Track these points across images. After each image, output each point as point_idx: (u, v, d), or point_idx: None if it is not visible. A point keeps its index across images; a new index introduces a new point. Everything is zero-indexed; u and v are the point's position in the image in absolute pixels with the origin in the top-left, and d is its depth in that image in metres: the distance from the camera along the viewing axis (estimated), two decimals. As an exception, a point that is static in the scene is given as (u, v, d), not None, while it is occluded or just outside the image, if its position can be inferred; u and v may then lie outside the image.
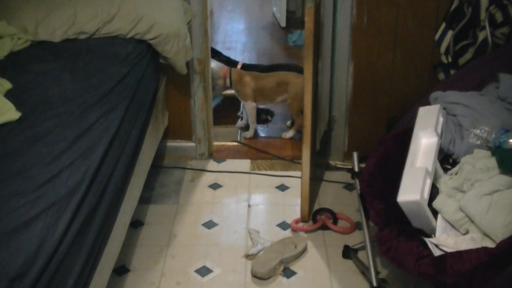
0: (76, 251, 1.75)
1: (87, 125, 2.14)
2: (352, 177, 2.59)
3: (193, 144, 3.37)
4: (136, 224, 2.82)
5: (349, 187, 3.10)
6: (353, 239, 2.70)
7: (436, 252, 1.95)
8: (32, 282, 1.51)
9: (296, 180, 3.01)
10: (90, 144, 2.05)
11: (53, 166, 1.89)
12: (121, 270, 2.54)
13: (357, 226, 2.78)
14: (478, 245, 1.95)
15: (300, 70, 3.47)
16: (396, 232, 2.09)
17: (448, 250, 1.97)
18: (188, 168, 3.29)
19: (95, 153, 2.02)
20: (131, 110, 2.40)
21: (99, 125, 2.17)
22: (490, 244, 1.96)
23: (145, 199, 2.96)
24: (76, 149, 2.01)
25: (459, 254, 1.86)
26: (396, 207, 2.12)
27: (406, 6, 2.96)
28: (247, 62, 4.74)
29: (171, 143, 3.37)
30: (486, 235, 2.01)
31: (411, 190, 2.07)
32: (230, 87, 3.67)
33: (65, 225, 1.70)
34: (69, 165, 1.91)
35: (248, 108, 3.62)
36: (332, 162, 3.29)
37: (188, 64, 3.07)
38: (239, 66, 3.99)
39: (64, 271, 1.66)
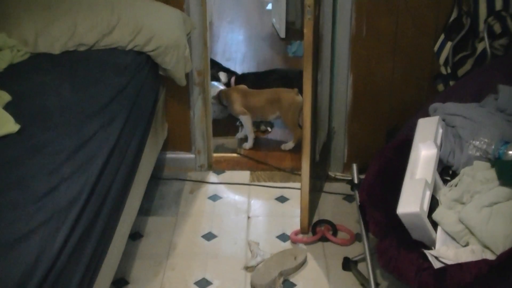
0: (75, 263, 1.74)
1: (86, 136, 2.14)
2: (352, 189, 2.58)
3: (192, 155, 3.37)
4: (135, 235, 2.81)
5: (348, 198, 3.10)
6: (353, 251, 2.69)
7: (436, 264, 1.94)
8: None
9: (295, 192, 3.00)
10: (89, 155, 2.05)
11: (52, 178, 1.89)
12: (120, 282, 2.53)
13: (357, 237, 2.78)
14: (478, 257, 1.95)
15: (299, 74, 3.46)
16: (396, 244, 2.08)
17: (448, 262, 1.96)
18: (187, 180, 3.29)
19: (94, 165, 2.02)
20: (130, 122, 2.40)
21: (98, 136, 2.17)
22: (490, 256, 1.96)
23: (144, 211, 2.96)
24: (75, 160, 2.00)
25: (459, 266, 1.85)
26: (396, 218, 2.12)
27: (405, 16, 2.96)
28: (246, 71, 4.76)
29: (170, 155, 3.37)
30: (486, 247, 2.01)
31: (410, 202, 2.07)
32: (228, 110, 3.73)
33: (64, 237, 1.69)
34: (68, 177, 1.91)
35: (243, 120, 3.63)
36: (331, 173, 3.29)
37: (187, 76, 3.07)
38: (232, 80, 4.02)
39: (63, 283, 1.65)
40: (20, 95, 2.34)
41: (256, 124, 3.80)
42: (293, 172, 3.33)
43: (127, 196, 2.31)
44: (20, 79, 2.50)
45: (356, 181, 2.55)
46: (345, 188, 3.11)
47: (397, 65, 3.06)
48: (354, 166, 2.59)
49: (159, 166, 3.27)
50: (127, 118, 2.37)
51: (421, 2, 2.94)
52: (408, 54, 3.04)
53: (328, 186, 3.21)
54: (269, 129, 3.85)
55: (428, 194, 2.12)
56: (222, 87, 3.93)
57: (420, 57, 3.04)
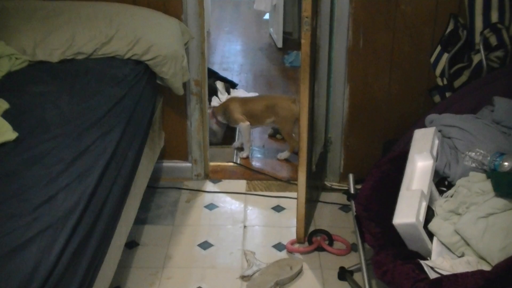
0: (71, 273, 1.74)
1: (84, 147, 2.14)
2: (348, 199, 2.59)
3: (189, 164, 3.37)
4: (131, 244, 2.81)
5: (345, 208, 3.11)
6: (349, 261, 2.70)
7: (432, 275, 1.95)
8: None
9: (292, 201, 3.01)
10: (86, 166, 2.05)
11: (49, 188, 1.89)
12: (116, 291, 2.53)
13: (353, 247, 2.78)
14: (474, 268, 1.95)
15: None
16: (392, 256, 2.08)
17: (444, 273, 1.96)
18: (184, 189, 3.29)
19: (92, 175, 2.02)
20: (128, 132, 2.40)
21: (95, 147, 2.18)
22: (486, 267, 1.96)
23: (140, 220, 2.96)
24: (73, 171, 2.01)
25: (455, 278, 1.86)
26: (392, 229, 2.13)
27: (401, 29, 2.99)
28: (244, 83, 4.78)
29: (167, 164, 3.38)
30: (482, 258, 2.02)
31: (406, 213, 2.08)
32: (226, 121, 3.75)
33: (61, 248, 1.69)
34: (65, 187, 1.91)
35: (242, 128, 3.64)
36: (328, 184, 3.29)
37: (185, 85, 3.08)
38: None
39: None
40: (18, 105, 2.35)
41: (274, 132, 3.89)
42: (290, 181, 3.34)
43: (123, 206, 2.31)
44: (19, 88, 2.50)
45: (352, 191, 2.56)
46: (341, 198, 3.11)
47: (394, 78, 3.08)
48: (351, 176, 2.59)
49: (155, 175, 3.27)
50: (125, 128, 2.38)
51: (418, 17, 2.96)
52: (404, 67, 3.06)
53: (324, 196, 3.22)
54: (278, 136, 3.86)
55: (424, 205, 2.13)
56: (217, 103, 3.96)
57: (417, 70, 3.05)
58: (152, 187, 3.24)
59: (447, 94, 2.89)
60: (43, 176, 1.94)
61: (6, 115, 2.25)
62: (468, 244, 2.06)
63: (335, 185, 3.28)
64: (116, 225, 2.19)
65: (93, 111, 2.37)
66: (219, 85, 4.36)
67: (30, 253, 1.63)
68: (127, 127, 2.40)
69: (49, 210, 1.79)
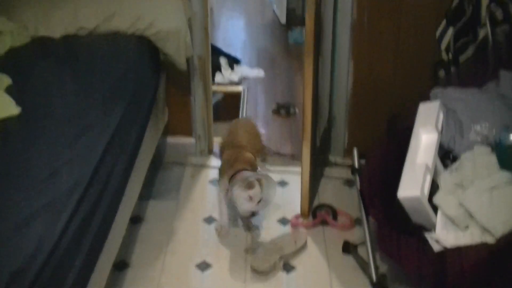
0: (76, 247, 1.75)
1: (87, 122, 2.15)
2: (353, 174, 2.59)
3: (193, 140, 3.37)
4: (135, 220, 2.82)
5: (349, 183, 3.10)
6: (353, 235, 2.70)
7: (436, 248, 1.95)
8: (33, 278, 1.51)
9: (296, 176, 3.01)
10: (89, 142, 2.06)
11: (52, 164, 1.90)
12: (121, 265, 2.53)
13: (357, 222, 2.78)
14: (478, 241, 1.96)
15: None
16: (396, 229, 2.09)
17: (448, 245, 1.97)
18: (188, 165, 3.29)
19: (95, 151, 2.02)
20: (131, 108, 2.40)
21: (99, 122, 2.18)
22: (490, 240, 1.96)
23: (145, 196, 2.96)
24: (76, 146, 2.01)
25: (459, 251, 1.86)
26: (397, 204, 2.13)
27: (406, 5, 2.95)
28: (247, 59, 4.75)
29: (171, 140, 3.37)
30: (486, 231, 2.02)
31: (411, 186, 2.08)
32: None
33: (65, 222, 1.70)
34: (68, 163, 1.92)
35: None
36: (332, 159, 3.29)
37: (188, 61, 3.07)
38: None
39: (64, 266, 1.67)
40: (21, 81, 2.35)
41: (277, 108, 3.85)
42: (294, 157, 3.33)
43: (128, 181, 2.31)
44: (21, 64, 2.50)
45: (356, 165, 2.56)
46: (346, 173, 3.11)
47: (398, 54, 3.05)
48: (355, 151, 2.59)
49: (159, 151, 3.27)
50: (128, 104, 2.37)
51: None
52: (409, 43, 3.03)
53: (329, 171, 3.22)
54: (291, 110, 3.85)
55: (428, 178, 2.13)
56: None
57: (422, 46, 3.02)
58: (157, 163, 3.23)
59: (452, 69, 2.87)
60: (46, 151, 1.94)
61: (9, 91, 2.25)
62: (472, 217, 2.07)
63: (339, 160, 3.27)
64: (120, 200, 2.20)
65: (96, 87, 2.37)
66: (223, 61, 4.35)
67: (34, 227, 1.64)
68: (130, 103, 2.40)
69: (52, 186, 1.80)
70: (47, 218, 1.67)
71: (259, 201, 2.48)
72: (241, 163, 2.64)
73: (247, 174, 2.52)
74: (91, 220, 1.86)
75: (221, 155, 2.92)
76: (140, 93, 2.56)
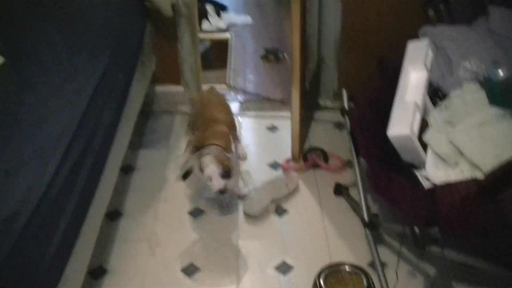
0: (66, 194, 1.75)
1: (72, 70, 2.12)
2: (342, 115, 2.58)
3: (181, 88, 3.34)
4: (127, 169, 2.82)
5: (339, 126, 3.10)
6: (344, 177, 2.72)
7: (426, 185, 1.96)
8: (24, 224, 1.51)
9: (286, 121, 3.00)
10: (76, 88, 2.04)
11: (40, 111, 1.88)
12: (114, 214, 2.55)
13: (348, 164, 2.79)
14: (468, 177, 1.97)
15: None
16: (386, 168, 2.09)
17: (438, 182, 1.98)
18: (178, 113, 3.27)
19: (82, 98, 2.00)
20: (117, 55, 2.37)
21: (84, 69, 2.15)
22: (479, 176, 1.97)
23: (135, 145, 2.96)
24: (63, 94, 1.99)
25: (449, 187, 1.87)
26: (387, 142, 2.13)
27: None
28: (234, 5, 4.68)
29: (160, 88, 3.34)
30: (475, 167, 2.03)
31: (401, 124, 2.07)
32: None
33: (54, 169, 1.70)
34: (55, 110, 1.90)
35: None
36: (322, 102, 3.28)
37: (174, 8, 3.01)
38: None
39: (55, 213, 1.67)
40: (4, 30, 2.30)
41: (266, 53, 3.79)
42: (283, 101, 3.32)
43: (117, 128, 2.30)
44: (3, 12, 2.44)
45: (346, 107, 2.54)
46: (336, 117, 3.10)
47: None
48: (344, 92, 2.57)
49: (149, 100, 3.25)
50: (113, 51, 2.34)
51: None
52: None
53: (319, 115, 3.21)
54: (285, 55, 3.80)
55: (418, 116, 2.12)
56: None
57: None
58: (146, 112, 3.22)
59: (442, 7, 2.83)
60: (32, 100, 1.92)
61: (-7, 40, 2.21)
62: (461, 154, 2.07)
63: (330, 103, 3.26)
64: (110, 148, 2.19)
65: (81, 33, 2.33)
66: (209, 8, 4.29)
67: (23, 175, 1.63)
68: (116, 50, 2.37)
69: (40, 133, 1.79)
70: (36, 165, 1.66)
71: (228, 177, 2.30)
72: (211, 138, 2.44)
73: (206, 157, 2.31)
74: (81, 167, 1.85)
75: (190, 129, 2.73)
76: (126, 40, 2.52)
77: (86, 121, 1.94)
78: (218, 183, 2.28)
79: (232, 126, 2.66)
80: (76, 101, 1.96)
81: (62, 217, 1.69)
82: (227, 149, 2.45)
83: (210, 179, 2.28)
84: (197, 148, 2.44)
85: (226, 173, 2.29)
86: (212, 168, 2.27)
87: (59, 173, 1.70)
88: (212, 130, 2.49)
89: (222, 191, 2.30)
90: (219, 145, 2.39)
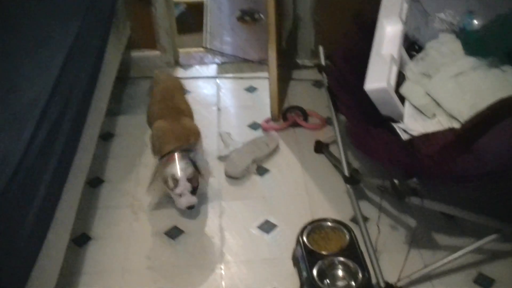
0: (44, 160, 1.73)
1: (44, 35, 2.09)
2: (319, 72, 2.56)
3: (158, 52, 3.31)
4: (106, 136, 2.80)
5: (317, 84, 3.10)
6: (324, 135, 2.72)
7: (405, 137, 1.97)
8: (1, 191, 1.50)
9: (264, 81, 2.99)
10: (49, 54, 2.01)
11: (12, 78, 1.86)
12: (95, 181, 2.53)
13: (328, 121, 2.80)
14: (445, 128, 1.98)
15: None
16: (365, 122, 2.09)
17: (416, 134, 1.99)
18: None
19: (55, 63, 1.98)
20: (89, 19, 2.34)
21: (57, 35, 2.13)
22: (456, 126, 1.98)
23: (114, 111, 2.94)
24: (36, 60, 1.97)
25: (426, 137, 1.88)
26: (365, 97, 2.13)
27: None
28: None
29: (136, 54, 3.30)
30: (452, 117, 2.04)
31: (377, 78, 2.07)
32: None
33: (30, 135, 1.68)
34: (29, 76, 1.88)
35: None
36: (299, 61, 3.26)
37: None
38: None
39: (33, 179, 1.66)
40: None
41: (241, 15, 3.74)
42: (261, 62, 3.30)
43: (93, 94, 2.28)
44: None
45: (323, 63, 2.53)
46: (314, 75, 3.09)
47: None
48: (321, 48, 2.55)
49: (125, 66, 3.22)
50: (86, 16, 2.31)
51: None
52: None
53: (297, 74, 3.20)
54: (261, 15, 3.76)
55: (394, 69, 2.12)
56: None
57: None
58: (123, 78, 3.19)
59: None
60: (4, 66, 1.89)
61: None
62: (438, 105, 2.08)
63: (307, 62, 3.25)
64: (86, 114, 2.17)
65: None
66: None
67: (-1, 142, 1.62)
68: (88, 14, 2.34)
69: (14, 100, 1.77)
70: (11, 131, 1.65)
71: (194, 189, 2.21)
72: (175, 139, 2.25)
73: (170, 169, 2.16)
74: (57, 133, 1.83)
75: (149, 119, 2.47)
76: (98, 4, 2.49)
77: (61, 87, 1.92)
78: (188, 200, 2.21)
79: (192, 116, 2.47)
80: (49, 67, 1.94)
81: (40, 184, 1.68)
82: (194, 145, 2.27)
83: (180, 196, 2.20)
84: (158, 138, 2.28)
85: (195, 188, 2.21)
86: (182, 186, 2.17)
87: (35, 139, 1.69)
88: (177, 126, 2.30)
89: (191, 207, 2.23)
90: (184, 150, 2.21)
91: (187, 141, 2.27)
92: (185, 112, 2.41)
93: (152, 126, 2.37)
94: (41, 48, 2.01)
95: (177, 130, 2.28)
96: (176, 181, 2.17)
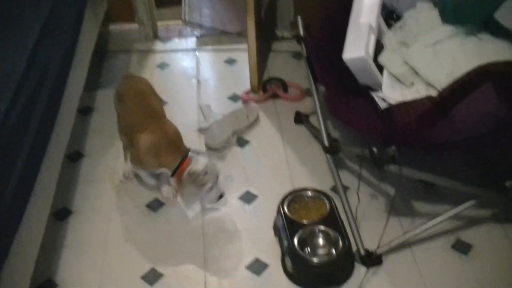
0: (21, 134, 1.73)
1: (17, 10, 2.06)
2: (298, 42, 2.56)
3: (136, 26, 3.27)
4: (86, 111, 2.78)
5: (297, 56, 3.09)
6: (304, 106, 2.73)
7: (383, 105, 1.98)
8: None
9: (244, 53, 2.97)
10: (22, 29, 1.99)
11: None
12: (75, 156, 2.52)
13: (307, 93, 2.80)
14: (423, 96, 1.99)
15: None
16: (343, 91, 2.10)
17: (394, 103, 2.00)
18: (134, 51, 3.22)
19: (29, 38, 1.96)
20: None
21: (30, 9, 2.10)
22: (434, 94, 1.99)
23: (93, 86, 2.91)
24: (8, 34, 1.95)
25: (404, 105, 1.89)
26: (343, 66, 2.13)
27: None
28: None
29: (113, 27, 3.27)
30: (430, 85, 2.05)
31: (355, 47, 2.07)
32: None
33: (6, 108, 1.67)
34: (3, 49, 1.85)
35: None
36: (279, 33, 3.25)
37: None
38: None
39: (11, 153, 1.65)
40: None
41: None
42: (240, 34, 3.28)
43: (69, 67, 2.26)
44: None
45: (302, 34, 2.52)
46: (294, 46, 3.09)
47: None
48: (299, 19, 2.54)
49: (103, 40, 3.19)
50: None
51: None
52: None
53: (277, 46, 3.19)
54: None
55: (372, 38, 2.12)
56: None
57: None
58: (102, 52, 3.16)
59: None
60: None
61: None
62: (416, 74, 2.09)
63: (287, 33, 3.24)
64: (63, 87, 2.16)
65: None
66: None
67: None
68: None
69: (-12, 74, 1.75)
70: (-15, 106, 1.63)
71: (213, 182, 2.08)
72: (174, 147, 2.10)
73: (199, 168, 2.04)
74: (34, 107, 1.82)
75: (125, 130, 2.28)
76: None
77: (36, 60, 1.90)
78: (218, 190, 2.11)
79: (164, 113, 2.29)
80: (23, 41, 1.91)
81: (18, 158, 1.67)
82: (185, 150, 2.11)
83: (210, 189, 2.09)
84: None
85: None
86: (214, 177, 2.07)
87: (11, 114, 1.67)
88: (167, 134, 2.12)
89: (222, 195, 2.14)
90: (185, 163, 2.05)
91: (181, 141, 2.16)
92: (162, 113, 2.24)
93: (137, 140, 2.12)
94: (14, 22, 1.98)
95: (170, 138, 2.11)
96: (206, 176, 2.05)
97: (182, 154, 2.07)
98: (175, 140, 2.13)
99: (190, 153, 2.07)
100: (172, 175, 2.07)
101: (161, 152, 2.08)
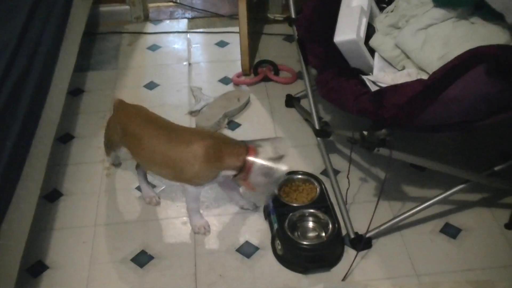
0: (10, 115, 1.72)
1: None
2: (290, 24, 2.55)
3: (127, 7, 3.25)
4: (76, 92, 2.77)
5: (289, 38, 3.08)
6: (295, 89, 2.72)
7: (374, 89, 1.97)
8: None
9: (235, 36, 2.96)
10: (12, 6, 1.96)
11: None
12: (65, 137, 2.51)
13: (299, 76, 2.80)
14: (414, 79, 1.98)
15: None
16: (334, 74, 2.09)
17: (385, 86, 1.99)
18: (124, 32, 3.20)
19: (19, 16, 1.94)
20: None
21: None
22: (426, 78, 1.99)
23: (83, 67, 2.90)
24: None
25: (395, 88, 1.88)
26: (335, 49, 2.12)
27: None
28: None
29: (104, 8, 3.25)
30: (421, 69, 2.05)
31: (347, 30, 2.06)
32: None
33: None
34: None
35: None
36: (271, 16, 3.24)
37: None
38: None
39: (0, 134, 1.64)
40: None
41: None
42: (232, 16, 3.27)
43: (59, 48, 2.24)
44: None
45: (293, 16, 2.51)
46: (285, 29, 3.08)
47: None
48: (291, 1, 2.53)
49: (94, 21, 3.17)
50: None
51: None
52: None
53: (268, 28, 3.18)
54: None
55: (364, 21, 2.11)
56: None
57: None
58: (92, 34, 3.14)
59: None
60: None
61: None
62: (408, 57, 2.08)
63: (278, 16, 3.23)
64: (53, 68, 2.14)
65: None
66: None
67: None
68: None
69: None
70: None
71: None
72: (231, 144, 1.91)
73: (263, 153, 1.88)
74: (23, 88, 1.81)
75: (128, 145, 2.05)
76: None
77: (25, 40, 1.89)
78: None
79: None
80: (13, 20, 1.90)
81: (7, 139, 1.66)
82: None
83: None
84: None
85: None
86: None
87: (0, 93, 1.66)
88: (207, 136, 1.92)
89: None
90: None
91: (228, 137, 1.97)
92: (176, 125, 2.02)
93: (180, 158, 1.88)
94: (1, 3, 1.96)
95: (219, 136, 1.97)
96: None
97: (243, 147, 1.88)
98: (224, 137, 1.96)
99: (249, 143, 1.89)
100: (236, 175, 1.89)
101: (221, 153, 1.86)
